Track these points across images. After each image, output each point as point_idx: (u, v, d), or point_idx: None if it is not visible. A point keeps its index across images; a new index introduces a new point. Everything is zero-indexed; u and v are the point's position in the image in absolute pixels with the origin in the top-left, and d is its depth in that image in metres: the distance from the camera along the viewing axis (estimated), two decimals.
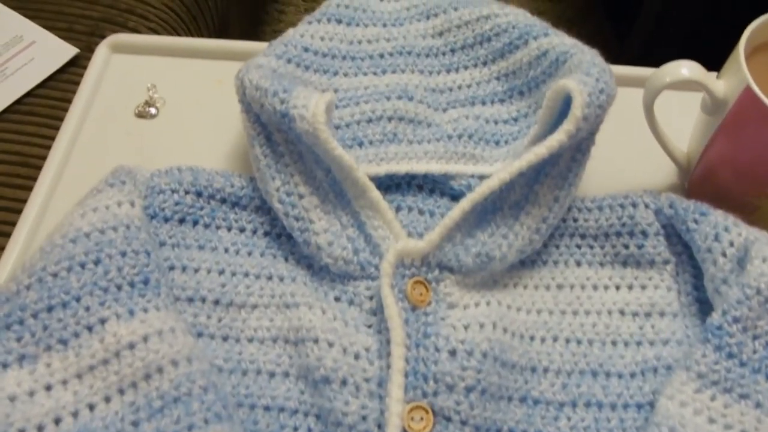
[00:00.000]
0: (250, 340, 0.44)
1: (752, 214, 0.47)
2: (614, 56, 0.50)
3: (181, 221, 0.46)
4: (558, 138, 0.42)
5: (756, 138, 0.44)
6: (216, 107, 0.57)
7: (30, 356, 0.39)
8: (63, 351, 0.39)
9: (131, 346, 0.39)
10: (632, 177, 0.53)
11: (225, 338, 0.44)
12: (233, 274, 0.45)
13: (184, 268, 0.45)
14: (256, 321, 0.44)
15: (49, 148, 0.55)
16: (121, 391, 0.38)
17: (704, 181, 0.50)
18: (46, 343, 0.39)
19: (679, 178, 0.53)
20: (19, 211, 0.52)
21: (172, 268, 0.45)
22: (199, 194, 0.47)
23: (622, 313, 0.45)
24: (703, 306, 0.45)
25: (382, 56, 0.53)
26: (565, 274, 0.47)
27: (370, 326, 0.43)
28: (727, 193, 0.48)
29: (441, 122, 0.50)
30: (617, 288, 0.46)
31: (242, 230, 0.47)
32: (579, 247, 0.47)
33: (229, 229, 0.47)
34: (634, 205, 0.46)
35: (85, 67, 0.60)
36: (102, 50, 0.61)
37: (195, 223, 0.47)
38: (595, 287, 0.46)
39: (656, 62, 0.49)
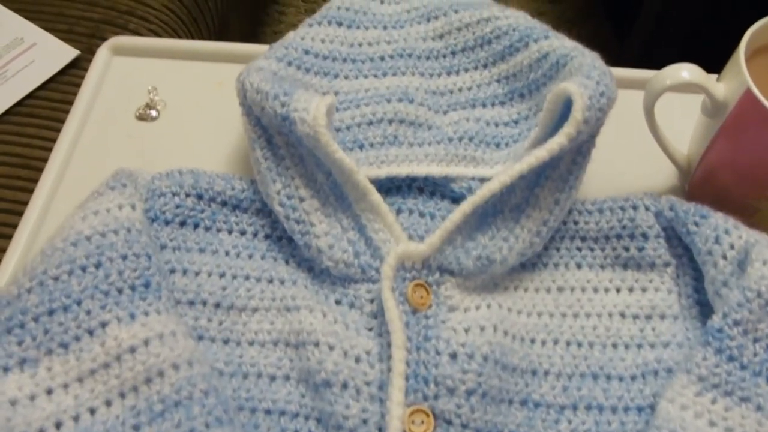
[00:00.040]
0: (251, 344, 0.44)
1: (752, 216, 0.47)
2: (614, 57, 0.50)
3: (182, 224, 0.46)
4: (558, 141, 0.42)
5: (756, 141, 0.44)
6: (217, 109, 0.57)
7: (31, 360, 0.39)
8: (64, 355, 0.39)
9: (132, 349, 0.39)
10: (632, 179, 0.53)
11: (226, 341, 0.44)
12: (234, 277, 0.45)
13: (184, 272, 0.45)
14: (256, 324, 0.44)
15: (49, 150, 0.55)
16: (122, 395, 0.38)
17: (704, 183, 0.50)
18: (47, 347, 0.39)
19: (679, 180, 0.53)
20: (20, 213, 0.52)
21: (172, 271, 0.45)
22: (199, 197, 0.47)
23: (622, 315, 0.45)
24: (704, 308, 0.45)
25: (382, 59, 0.53)
26: (566, 277, 0.47)
27: (370, 329, 0.43)
28: (728, 195, 0.48)
29: (441, 125, 0.50)
30: (618, 291, 0.46)
31: (243, 233, 0.47)
32: (579, 249, 0.47)
33: (230, 232, 0.47)
34: (635, 208, 0.46)
35: (85, 69, 0.60)
36: (103, 53, 0.61)
37: (196, 226, 0.47)
38: (595, 290, 0.46)
39: (656, 63, 0.49)
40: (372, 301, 0.44)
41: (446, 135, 0.50)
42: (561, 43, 0.49)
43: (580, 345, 0.44)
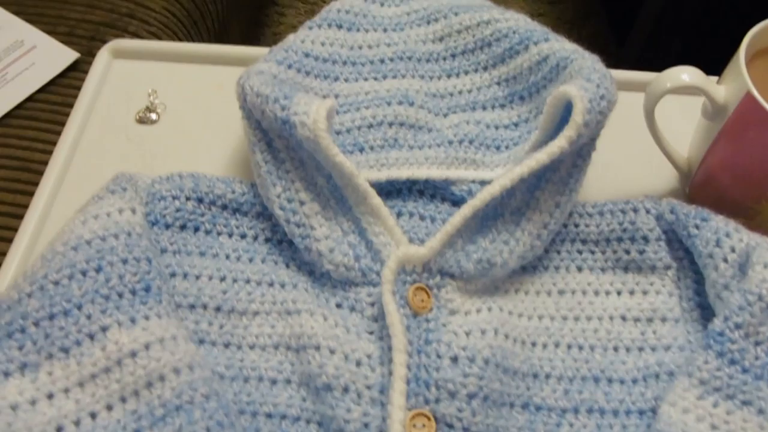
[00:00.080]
0: (252, 347, 0.44)
1: (753, 219, 0.47)
2: (614, 58, 0.50)
3: (183, 228, 0.46)
4: (559, 144, 0.42)
5: (757, 143, 0.44)
6: (217, 112, 0.57)
7: (31, 365, 0.39)
8: (64, 359, 0.39)
9: (133, 354, 0.39)
10: (633, 182, 0.53)
11: (226, 345, 0.44)
12: (234, 280, 0.45)
13: (185, 275, 0.45)
14: (257, 328, 0.44)
15: (50, 153, 0.55)
16: (123, 400, 0.38)
17: (705, 186, 0.50)
18: (48, 352, 0.39)
19: (679, 183, 0.53)
20: (20, 217, 0.52)
21: (173, 275, 0.45)
22: (200, 201, 0.47)
23: (623, 318, 0.45)
24: (705, 311, 0.45)
25: (382, 61, 0.53)
26: (567, 280, 0.47)
27: (371, 333, 0.43)
28: (728, 198, 0.48)
29: (442, 127, 0.50)
30: (619, 293, 0.46)
31: (243, 237, 0.47)
32: (580, 252, 0.47)
33: (230, 236, 0.47)
34: (635, 211, 0.46)
35: (85, 72, 0.60)
36: (103, 55, 0.61)
37: (196, 229, 0.47)
38: (596, 293, 0.46)
39: (656, 64, 0.49)
40: (373, 304, 0.44)
41: (446, 138, 0.50)
42: (561, 46, 0.49)
43: (581, 348, 0.44)
